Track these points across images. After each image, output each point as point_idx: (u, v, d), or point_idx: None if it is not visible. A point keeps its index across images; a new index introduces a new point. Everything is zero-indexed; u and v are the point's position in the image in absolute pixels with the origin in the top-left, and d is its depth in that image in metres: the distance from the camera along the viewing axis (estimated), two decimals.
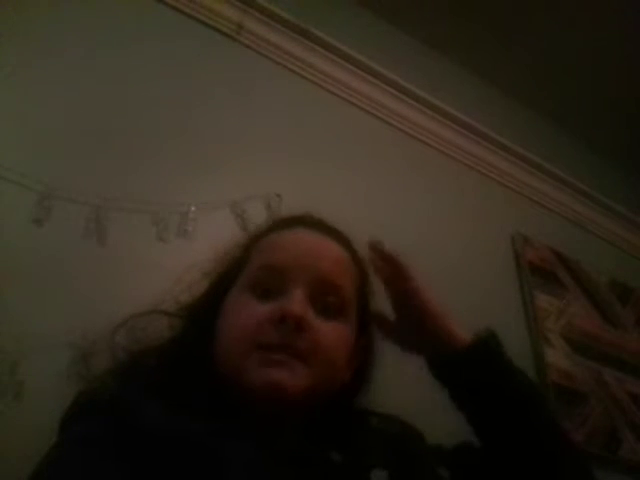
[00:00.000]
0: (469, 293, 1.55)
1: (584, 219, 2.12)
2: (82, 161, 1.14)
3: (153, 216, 1.15)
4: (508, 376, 0.68)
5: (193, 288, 0.73)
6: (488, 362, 0.67)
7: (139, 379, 0.59)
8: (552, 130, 2.27)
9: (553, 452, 0.64)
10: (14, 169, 1.03)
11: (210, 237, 1.16)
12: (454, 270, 1.58)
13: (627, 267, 2.13)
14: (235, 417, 0.56)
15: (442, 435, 0.68)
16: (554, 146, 2.19)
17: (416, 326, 0.69)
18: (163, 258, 1.12)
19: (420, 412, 0.69)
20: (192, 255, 1.11)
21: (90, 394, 0.58)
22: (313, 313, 0.60)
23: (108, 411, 0.53)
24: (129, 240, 1.11)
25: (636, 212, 2.25)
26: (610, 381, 1.72)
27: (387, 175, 1.62)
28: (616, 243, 2.18)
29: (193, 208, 1.19)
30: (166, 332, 0.68)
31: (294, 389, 0.56)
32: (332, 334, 0.61)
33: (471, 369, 0.66)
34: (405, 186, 1.65)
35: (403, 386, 0.72)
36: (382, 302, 0.73)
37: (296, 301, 0.59)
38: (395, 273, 0.69)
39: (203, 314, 0.67)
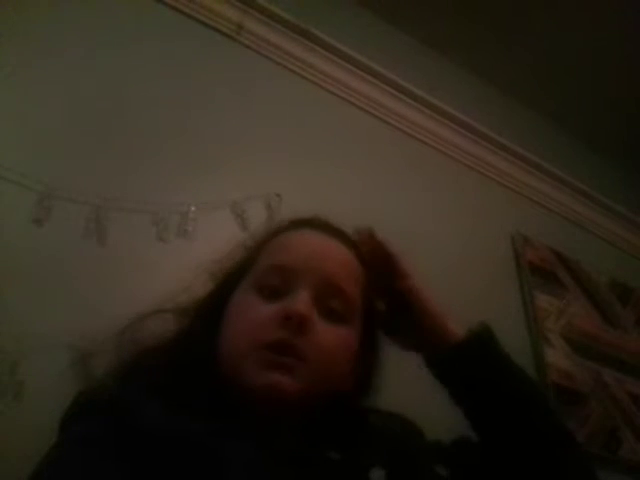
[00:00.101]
0: (469, 293, 1.55)
1: (584, 219, 2.12)
2: (82, 161, 1.14)
3: (153, 216, 1.15)
4: (503, 369, 0.68)
5: (196, 288, 0.73)
6: (482, 356, 0.67)
7: (140, 379, 0.59)
8: (552, 130, 2.28)
9: (550, 445, 0.64)
10: (14, 169, 1.03)
11: (210, 237, 1.17)
12: (454, 270, 1.58)
13: (627, 267, 2.13)
14: (235, 417, 0.56)
15: (441, 430, 0.68)
16: (554, 146, 2.19)
17: (413, 324, 0.70)
18: (163, 258, 1.12)
19: (419, 408, 0.69)
20: (192, 255, 1.12)
21: (90, 394, 0.58)
22: (317, 315, 0.60)
23: (108, 411, 0.53)
24: (129, 240, 1.11)
25: (636, 212, 2.25)
26: (610, 381, 1.72)
27: (387, 175, 1.62)
28: (616, 243, 2.18)
29: (193, 208, 1.19)
30: (171, 331, 0.68)
31: (292, 392, 0.56)
32: (334, 338, 0.60)
33: (465, 364, 0.67)
34: (405, 186, 1.65)
35: (403, 382, 0.72)
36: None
37: (301, 301, 0.59)
38: (391, 270, 0.69)
39: (208, 313, 0.66)
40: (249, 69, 1.52)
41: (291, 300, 0.59)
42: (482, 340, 0.69)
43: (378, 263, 0.71)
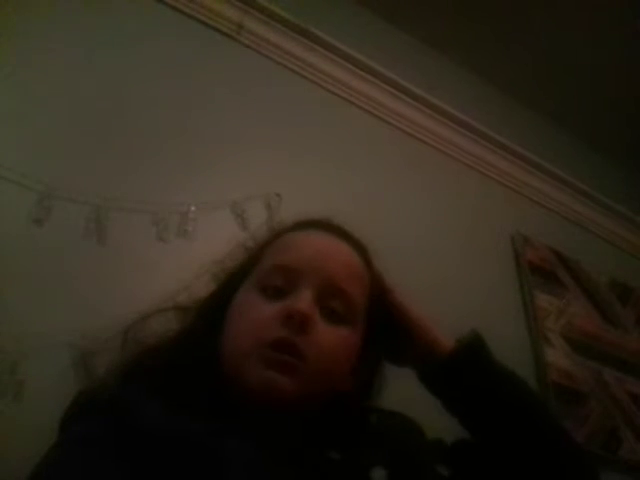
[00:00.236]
0: (469, 293, 1.55)
1: (584, 219, 2.12)
2: (82, 161, 1.14)
3: (153, 216, 1.15)
4: (496, 378, 0.68)
5: (197, 288, 0.73)
6: (473, 367, 0.67)
7: (141, 379, 0.59)
8: (552, 129, 2.27)
9: (550, 447, 0.64)
10: (14, 169, 1.03)
11: (210, 237, 1.17)
12: (454, 270, 1.58)
13: (627, 267, 2.13)
14: (235, 417, 0.56)
15: (442, 430, 0.68)
16: (554, 145, 2.19)
17: (403, 340, 0.70)
18: (163, 258, 1.12)
19: (420, 407, 0.69)
20: (192, 255, 1.13)
21: (90, 394, 0.58)
22: (319, 315, 0.60)
23: (108, 411, 0.53)
24: (129, 240, 1.11)
25: (636, 212, 2.25)
26: (610, 381, 1.72)
27: (387, 174, 1.62)
28: (616, 243, 2.18)
29: (193, 208, 1.19)
30: (173, 331, 0.68)
31: (290, 390, 0.56)
32: (334, 338, 0.60)
33: (456, 376, 0.67)
34: (405, 185, 1.65)
35: (404, 381, 0.72)
36: None
37: (303, 301, 0.59)
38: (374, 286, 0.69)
39: (211, 312, 0.67)
40: (249, 69, 1.52)
41: (293, 299, 0.60)
42: (472, 350, 0.68)
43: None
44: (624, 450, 1.60)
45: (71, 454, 0.51)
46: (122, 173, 1.17)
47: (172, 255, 1.14)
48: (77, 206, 1.08)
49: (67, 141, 1.15)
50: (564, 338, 1.70)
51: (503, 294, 1.69)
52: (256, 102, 1.47)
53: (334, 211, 0.72)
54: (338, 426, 0.62)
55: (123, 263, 1.08)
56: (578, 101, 2.22)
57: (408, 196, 1.64)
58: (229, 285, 0.68)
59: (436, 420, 0.68)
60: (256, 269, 0.66)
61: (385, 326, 0.69)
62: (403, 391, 0.72)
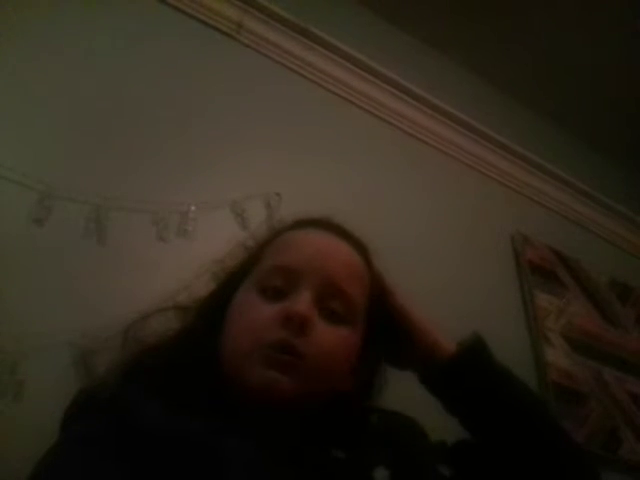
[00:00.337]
0: (469, 292, 1.55)
1: (584, 218, 2.12)
2: (82, 161, 1.14)
3: (153, 216, 1.15)
4: (498, 381, 0.68)
5: (197, 288, 0.73)
6: (475, 370, 0.67)
7: (141, 378, 0.59)
8: (552, 129, 2.27)
9: (551, 449, 0.64)
10: (15, 169, 1.03)
11: (210, 237, 1.17)
12: (454, 269, 1.58)
13: (627, 267, 2.13)
14: (235, 416, 0.56)
15: (444, 430, 0.68)
16: (554, 145, 2.19)
17: (404, 343, 0.69)
18: (163, 258, 1.12)
19: (422, 407, 0.69)
20: (192, 255, 1.13)
21: (90, 393, 0.58)
22: (318, 316, 0.60)
23: (108, 410, 0.53)
24: (129, 240, 1.11)
25: (636, 212, 2.25)
26: (610, 381, 1.72)
27: (386, 174, 1.62)
28: (616, 243, 2.18)
29: (193, 208, 1.19)
30: (173, 330, 0.68)
31: (289, 390, 0.56)
32: (334, 338, 0.60)
33: (458, 379, 0.67)
34: (405, 185, 1.65)
35: (405, 381, 0.72)
36: None
37: (302, 302, 0.59)
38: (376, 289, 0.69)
39: (211, 312, 0.67)
40: (249, 68, 1.51)
41: (292, 301, 0.59)
42: (474, 353, 0.68)
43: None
44: (624, 450, 1.60)
45: (71, 454, 0.51)
46: (122, 173, 1.17)
47: (172, 255, 1.14)
48: (77, 206, 1.08)
49: (67, 141, 1.15)
50: (564, 338, 1.70)
51: (503, 294, 1.69)
52: (256, 102, 1.46)
53: (334, 211, 0.72)
54: (341, 426, 0.62)
55: (123, 263, 1.08)
56: (578, 101, 2.22)
57: (408, 196, 1.64)
58: (229, 284, 0.68)
59: (437, 420, 0.68)
60: (256, 268, 0.66)
61: (386, 328, 0.69)
62: (404, 391, 0.72)
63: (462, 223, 1.71)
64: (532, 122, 2.21)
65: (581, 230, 2.11)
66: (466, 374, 0.67)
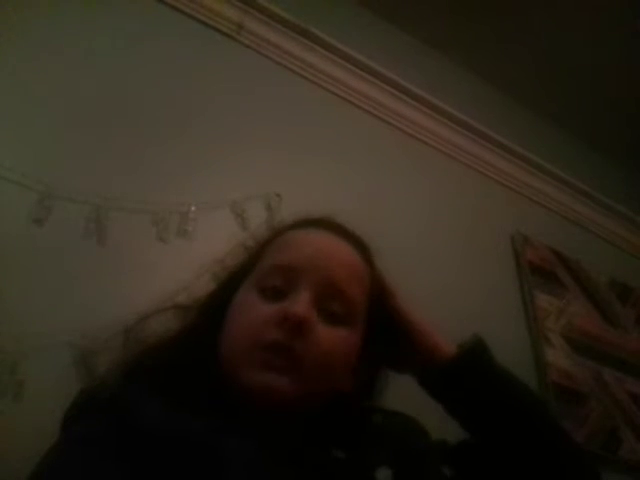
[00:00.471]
0: (469, 293, 1.55)
1: (584, 219, 2.12)
2: (82, 161, 1.14)
3: (153, 216, 1.15)
4: (499, 383, 0.68)
5: (196, 288, 0.73)
6: (475, 372, 0.67)
7: (142, 377, 0.59)
8: (552, 129, 2.28)
9: (553, 450, 0.64)
10: (14, 169, 1.03)
11: (210, 237, 1.17)
12: (454, 270, 1.58)
13: (627, 267, 2.13)
14: (235, 416, 0.56)
15: (444, 430, 0.68)
16: (554, 145, 2.19)
17: (404, 345, 0.69)
18: (163, 258, 1.12)
19: (422, 407, 0.69)
20: (192, 255, 1.13)
21: (91, 393, 0.58)
22: (317, 317, 0.60)
23: (108, 410, 0.53)
24: (129, 240, 1.11)
25: (636, 212, 2.25)
26: (610, 381, 1.72)
27: (387, 174, 1.62)
28: (616, 243, 2.18)
29: (193, 208, 1.19)
30: (174, 330, 0.68)
31: (287, 392, 0.56)
32: (333, 340, 0.60)
33: (459, 381, 0.67)
34: (405, 185, 1.65)
35: (407, 381, 0.72)
36: None
37: (301, 303, 0.59)
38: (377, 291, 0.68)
39: (212, 312, 0.66)
40: (249, 69, 1.51)
41: (291, 301, 0.59)
42: (475, 354, 0.68)
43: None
44: (624, 450, 1.60)
45: (71, 454, 0.51)
46: (122, 173, 1.17)
47: (172, 255, 1.14)
48: (77, 206, 1.08)
49: (67, 141, 1.15)
50: (564, 338, 1.70)
51: (503, 294, 1.69)
52: (256, 102, 1.46)
53: (334, 211, 0.72)
54: (343, 425, 0.62)
55: (123, 263, 1.08)
56: (578, 101, 2.22)
57: (408, 196, 1.64)
58: (230, 284, 0.68)
59: (438, 420, 0.68)
60: (256, 268, 0.66)
61: (386, 329, 0.69)
62: (405, 391, 0.72)
63: (462, 223, 1.71)
64: (532, 122, 2.21)
65: (581, 230, 2.11)
66: (466, 376, 0.67)
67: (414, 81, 1.80)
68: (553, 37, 2.02)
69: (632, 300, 1.99)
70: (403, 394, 0.72)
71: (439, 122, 1.85)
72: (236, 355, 0.59)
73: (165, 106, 1.31)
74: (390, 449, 0.60)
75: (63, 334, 0.94)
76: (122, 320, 0.71)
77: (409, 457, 0.60)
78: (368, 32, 1.85)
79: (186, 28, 1.45)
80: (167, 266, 1.11)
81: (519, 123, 2.13)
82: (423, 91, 1.81)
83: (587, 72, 2.12)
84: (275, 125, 1.46)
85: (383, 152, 1.67)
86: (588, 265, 1.93)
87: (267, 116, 1.46)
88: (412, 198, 1.64)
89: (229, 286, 0.67)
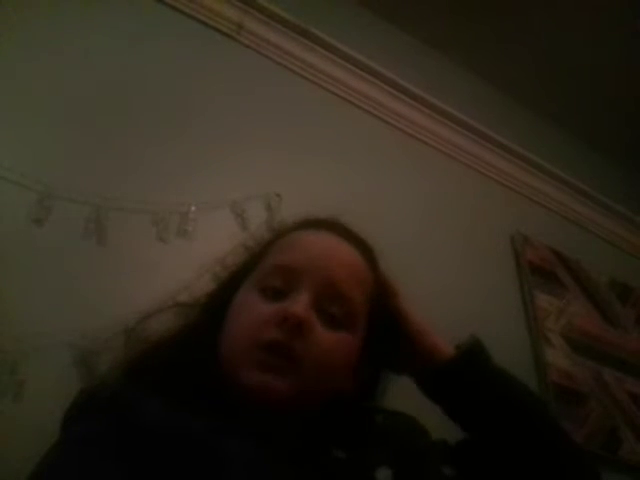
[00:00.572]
0: (468, 293, 1.55)
1: (584, 219, 2.12)
2: (82, 161, 1.14)
3: (153, 216, 1.15)
4: (497, 384, 0.68)
5: (197, 288, 0.73)
6: (473, 373, 0.67)
7: (143, 377, 0.59)
8: (552, 129, 2.28)
9: (553, 450, 0.64)
10: (14, 169, 1.03)
11: (210, 237, 1.17)
12: (453, 270, 1.58)
13: (627, 267, 2.13)
14: (236, 416, 0.56)
15: (445, 431, 0.68)
16: (553, 145, 2.19)
17: (401, 344, 0.69)
18: (163, 258, 1.12)
19: (423, 407, 0.69)
20: (192, 255, 1.13)
21: (91, 393, 0.58)
22: (316, 319, 0.60)
23: (109, 409, 0.53)
24: (129, 240, 1.11)
25: (636, 212, 2.25)
26: (610, 381, 1.72)
27: (387, 174, 1.62)
28: (616, 243, 2.18)
29: (193, 208, 1.19)
30: (174, 329, 0.68)
31: (284, 392, 0.56)
32: (331, 342, 0.60)
33: (457, 383, 0.67)
34: (405, 185, 1.65)
35: (405, 380, 0.72)
36: None
37: (300, 303, 0.59)
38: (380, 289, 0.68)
39: (213, 310, 0.66)
40: (249, 69, 1.52)
41: (290, 302, 0.59)
42: (472, 356, 0.68)
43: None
44: (624, 450, 1.60)
45: (71, 454, 0.51)
46: (122, 173, 1.17)
47: (172, 255, 1.14)
48: (77, 206, 1.08)
49: (66, 141, 1.15)
50: (564, 338, 1.70)
51: (503, 294, 1.69)
52: (256, 102, 1.47)
53: (334, 211, 0.72)
54: (343, 425, 0.62)
55: (123, 263, 1.08)
56: (578, 101, 2.22)
57: (408, 196, 1.64)
58: (231, 283, 0.68)
59: (438, 420, 0.68)
60: (258, 268, 0.66)
61: (386, 330, 0.69)
62: (405, 391, 0.72)
63: (462, 223, 1.71)
64: (532, 122, 2.21)
65: (581, 230, 2.11)
66: (464, 376, 0.67)
67: (414, 81, 1.80)
68: (553, 37, 2.02)
69: (632, 300, 1.99)
70: (403, 394, 0.72)
71: (439, 122, 1.85)
72: (235, 354, 0.59)
73: (165, 106, 1.31)
74: (390, 449, 0.60)
75: (63, 334, 0.94)
76: (122, 320, 0.71)
77: (409, 457, 0.60)
78: (368, 32, 1.85)
79: (186, 28, 1.45)
80: (167, 266, 1.11)
81: (519, 123, 2.13)
82: (423, 91, 1.81)
83: (587, 72, 2.12)
84: (275, 125, 1.46)
85: (383, 152, 1.67)
86: (588, 265, 1.93)
87: (267, 116, 1.46)
88: (412, 198, 1.64)
89: (230, 286, 0.67)
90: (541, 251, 1.83)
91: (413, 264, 1.38)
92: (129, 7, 1.37)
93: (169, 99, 1.32)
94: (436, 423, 0.67)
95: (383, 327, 0.68)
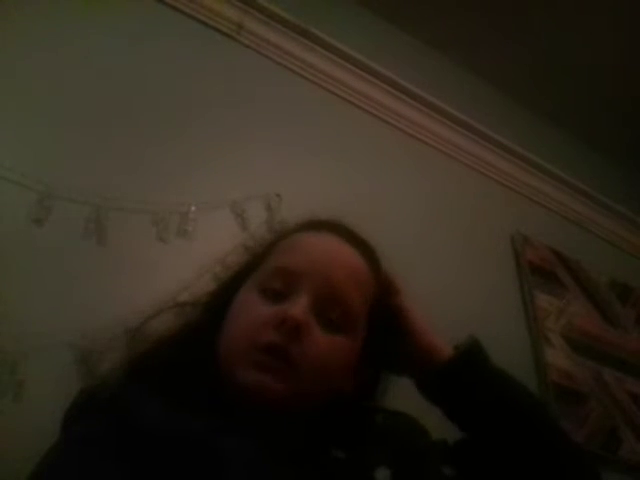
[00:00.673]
0: (468, 293, 1.55)
1: (584, 219, 2.12)
2: (82, 161, 1.14)
3: (153, 216, 1.15)
4: (495, 384, 0.67)
5: (197, 288, 0.73)
6: (472, 374, 0.67)
7: (143, 377, 0.59)
8: (552, 130, 2.28)
9: (553, 450, 0.64)
10: (14, 169, 1.03)
11: (210, 237, 1.17)
12: (453, 270, 1.58)
13: (627, 267, 2.13)
14: (236, 415, 0.56)
15: (444, 429, 0.68)
16: (553, 145, 2.19)
17: (401, 344, 0.69)
18: (163, 258, 1.12)
19: (423, 407, 0.69)
20: (192, 255, 1.13)
21: (91, 393, 0.58)
22: (315, 322, 0.60)
23: (109, 410, 0.53)
24: (129, 240, 1.11)
25: (636, 212, 2.25)
26: (610, 381, 1.72)
27: (387, 174, 1.62)
28: (616, 243, 2.18)
29: (193, 208, 1.20)
30: (175, 329, 0.68)
31: (280, 393, 0.56)
32: (329, 345, 0.60)
33: (455, 384, 0.66)
34: (405, 185, 1.65)
35: (406, 380, 0.72)
36: None
37: (299, 306, 0.59)
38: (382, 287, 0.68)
39: (213, 310, 0.66)
40: (249, 69, 1.51)
41: (289, 304, 0.59)
42: (470, 357, 0.68)
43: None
44: (624, 450, 1.60)
45: (71, 454, 0.51)
46: (122, 173, 1.17)
47: (172, 255, 1.14)
48: (77, 206, 1.08)
49: (67, 141, 1.15)
50: (564, 338, 1.70)
51: (503, 294, 1.69)
52: (256, 102, 1.46)
53: (333, 211, 0.72)
54: (343, 425, 0.62)
55: (123, 263, 1.08)
56: (578, 101, 2.22)
57: (408, 196, 1.64)
58: (232, 284, 0.68)
59: (438, 420, 0.68)
60: (260, 269, 0.66)
61: (387, 330, 0.69)
62: (405, 391, 0.72)
63: (462, 223, 1.71)
64: (532, 122, 2.21)
65: (581, 230, 2.11)
66: (463, 377, 0.67)
67: (414, 81, 1.80)
68: (553, 37, 2.02)
69: (632, 300, 1.99)
70: (403, 394, 0.72)
71: (439, 122, 1.85)
72: (233, 354, 0.59)
73: (165, 106, 1.31)
74: (390, 449, 0.60)
75: (63, 334, 0.94)
76: (122, 320, 0.71)
77: (408, 457, 0.60)
78: (368, 32, 1.85)
79: (186, 28, 1.45)
80: (167, 266, 1.11)
81: (519, 123, 2.13)
82: (423, 91, 1.81)
83: (586, 72, 2.12)
84: (275, 125, 1.46)
85: (383, 152, 1.67)
86: (588, 265, 1.93)
87: (267, 116, 1.46)
88: (412, 198, 1.64)
89: (231, 286, 0.67)
90: (541, 251, 1.83)
91: (413, 264, 1.37)
92: (129, 7, 1.37)
93: (169, 99, 1.32)
94: (436, 423, 0.67)
95: (384, 327, 0.68)
